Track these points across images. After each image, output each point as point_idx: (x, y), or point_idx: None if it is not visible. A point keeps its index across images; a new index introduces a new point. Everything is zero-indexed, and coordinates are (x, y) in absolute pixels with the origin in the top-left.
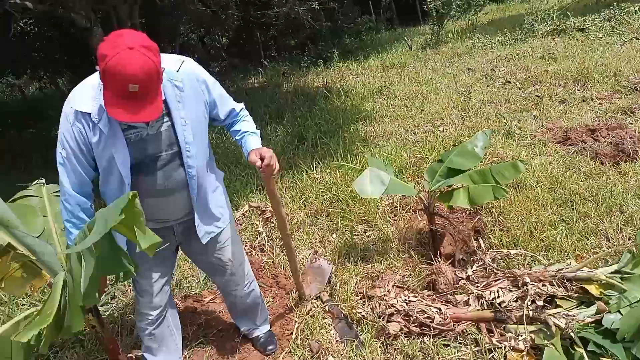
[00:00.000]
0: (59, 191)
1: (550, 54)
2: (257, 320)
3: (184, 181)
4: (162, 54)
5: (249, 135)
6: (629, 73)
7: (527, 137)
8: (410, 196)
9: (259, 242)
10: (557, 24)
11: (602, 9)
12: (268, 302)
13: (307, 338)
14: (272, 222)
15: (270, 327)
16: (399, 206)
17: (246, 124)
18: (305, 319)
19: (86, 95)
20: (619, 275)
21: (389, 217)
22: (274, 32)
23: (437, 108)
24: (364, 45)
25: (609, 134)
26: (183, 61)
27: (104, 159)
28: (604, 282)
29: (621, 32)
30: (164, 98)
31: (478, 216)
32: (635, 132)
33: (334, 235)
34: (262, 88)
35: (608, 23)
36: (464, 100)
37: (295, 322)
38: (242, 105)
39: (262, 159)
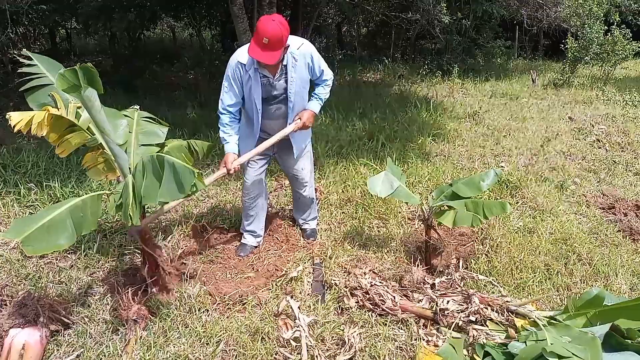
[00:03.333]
0: (147, 116)
1: None
2: (309, 217)
3: (286, 114)
4: (292, 36)
5: (314, 98)
6: None
7: (577, 195)
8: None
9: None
10: None
11: None
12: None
13: (287, 283)
14: None
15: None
16: (416, 216)
17: (321, 89)
18: (295, 269)
19: (244, 53)
20: (550, 320)
21: (404, 222)
22: (408, 35)
23: (512, 145)
24: (488, 68)
25: None
26: (302, 43)
27: (247, 92)
28: (532, 320)
29: None
30: (285, 63)
31: (472, 242)
32: None
33: (352, 221)
34: (375, 85)
35: None
36: (541, 146)
37: (287, 270)
38: (331, 75)
39: (300, 118)
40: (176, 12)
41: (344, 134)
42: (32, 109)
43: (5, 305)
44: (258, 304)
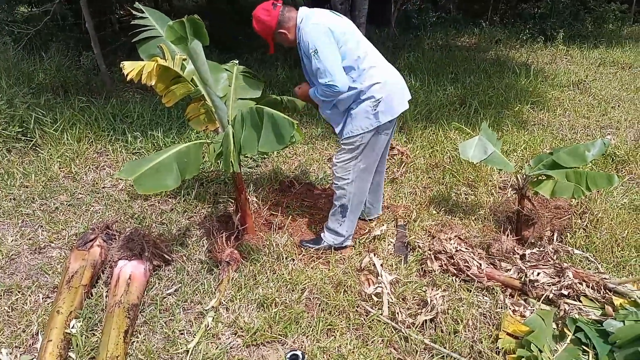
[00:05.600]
0: (245, 71)
1: None
2: (327, 221)
3: None
4: (317, 11)
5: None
6: None
7: None
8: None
9: None
10: None
11: None
12: None
13: (370, 242)
14: (394, 159)
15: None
16: (509, 185)
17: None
18: (379, 229)
19: None
20: None
21: (494, 190)
22: None
23: (621, 117)
24: (598, 34)
25: None
26: (307, 26)
27: None
28: (633, 299)
29: None
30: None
31: (569, 215)
32: None
33: (439, 187)
34: (469, 48)
35: None
36: None
37: (371, 228)
38: (326, 80)
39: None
40: None
41: (434, 98)
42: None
43: (115, 239)
44: (341, 259)
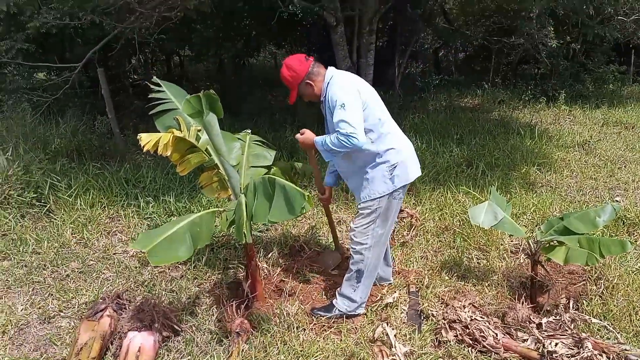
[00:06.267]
0: (258, 140)
1: None
2: (340, 287)
3: None
4: (335, 70)
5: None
6: None
7: None
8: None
9: None
10: None
11: None
12: None
13: (383, 310)
14: (404, 222)
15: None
16: (520, 249)
17: (331, 135)
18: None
19: None
20: None
21: (506, 255)
22: (509, 59)
23: (629, 178)
24: (599, 95)
25: None
26: (328, 83)
27: None
28: None
29: None
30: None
31: (583, 281)
32: None
33: (450, 251)
34: (473, 109)
35: None
36: None
37: (383, 295)
38: (347, 131)
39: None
40: (278, 40)
41: (440, 160)
42: (150, 128)
43: (125, 308)
44: (353, 328)
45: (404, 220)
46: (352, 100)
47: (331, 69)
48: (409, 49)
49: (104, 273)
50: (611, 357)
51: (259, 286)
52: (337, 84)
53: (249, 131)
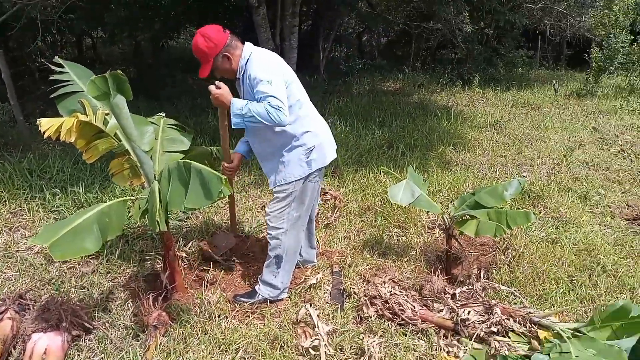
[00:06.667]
0: (172, 123)
1: None
2: (261, 274)
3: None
4: (252, 46)
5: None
6: None
7: (601, 206)
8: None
9: None
10: None
11: None
12: None
13: (306, 291)
14: (328, 204)
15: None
16: (437, 225)
17: (255, 103)
18: (314, 277)
19: None
20: (575, 332)
21: (424, 231)
22: (429, 44)
23: (534, 155)
24: (510, 78)
25: None
26: (248, 59)
27: None
28: (556, 332)
29: None
30: (238, 76)
31: (493, 252)
32: None
33: (371, 230)
34: (394, 93)
35: None
36: (564, 156)
37: (306, 277)
38: (269, 100)
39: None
40: (199, 21)
41: (363, 142)
42: (58, 114)
43: (29, 309)
44: (277, 312)
45: (328, 202)
46: (277, 79)
47: (249, 44)
48: (333, 33)
49: (4, 272)
50: (517, 320)
51: (178, 276)
52: (259, 60)
53: (163, 114)
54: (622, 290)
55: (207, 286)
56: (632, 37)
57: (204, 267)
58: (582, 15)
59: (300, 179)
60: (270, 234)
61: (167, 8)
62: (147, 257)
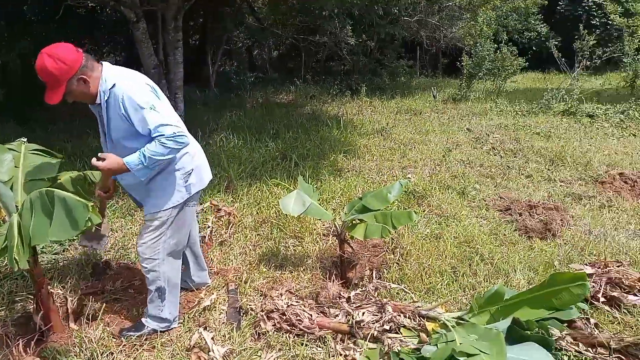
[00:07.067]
0: (37, 149)
1: (548, 132)
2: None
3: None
4: (115, 68)
5: (138, 151)
6: (599, 165)
7: (477, 200)
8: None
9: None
10: (570, 105)
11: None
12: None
13: (200, 314)
14: (222, 221)
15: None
16: (331, 232)
17: (152, 144)
18: (208, 298)
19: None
20: (458, 320)
21: (319, 238)
22: (318, 57)
23: (417, 157)
24: (394, 87)
25: (543, 212)
26: (114, 84)
27: None
28: (442, 322)
29: (625, 127)
30: (98, 102)
31: (384, 252)
32: (568, 216)
33: (267, 243)
34: (287, 105)
35: (620, 115)
36: (443, 156)
37: (200, 299)
38: (166, 132)
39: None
40: (77, 38)
41: (257, 155)
42: None
43: None
44: (168, 340)
45: (222, 219)
46: (156, 99)
47: (107, 65)
48: (222, 47)
49: None
50: (407, 315)
51: (54, 315)
52: (129, 85)
53: (24, 140)
54: (499, 276)
55: (89, 322)
56: (495, 45)
57: (85, 303)
58: (452, 27)
59: (177, 204)
60: (146, 267)
61: (37, 25)
62: (17, 299)
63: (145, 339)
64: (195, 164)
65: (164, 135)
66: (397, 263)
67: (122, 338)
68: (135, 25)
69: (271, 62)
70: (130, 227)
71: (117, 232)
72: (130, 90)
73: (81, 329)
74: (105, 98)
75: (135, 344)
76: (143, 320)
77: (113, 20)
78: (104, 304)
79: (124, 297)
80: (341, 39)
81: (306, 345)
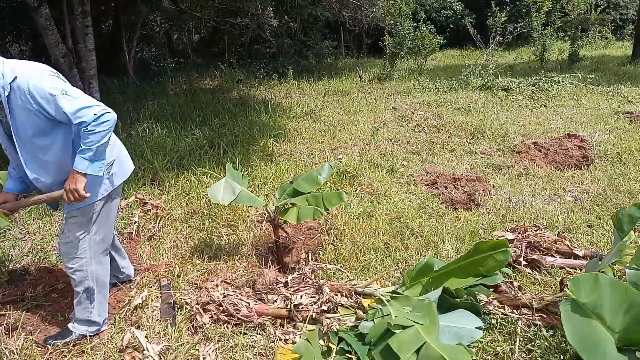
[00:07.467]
0: None
1: (467, 107)
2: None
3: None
4: (12, 61)
5: (78, 152)
6: (515, 136)
7: (406, 176)
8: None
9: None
10: (486, 80)
11: (542, 72)
12: None
13: (132, 313)
14: (149, 215)
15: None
16: (264, 218)
17: (84, 137)
18: (139, 296)
19: None
20: (393, 294)
21: (253, 225)
22: (242, 40)
23: (347, 138)
24: (320, 68)
25: (467, 184)
26: (15, 76)
27: None
28: (377, 297)
29: (537, 98)
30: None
31: (319, 234)
32: (489, 186)
33: (200, 234)
34: (213, 90)
35: (532, 87)
36: (372, 135)
37: (131, 298)
38: (90, 116)
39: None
40: None
41: (183, 144)
42: None
43: None
44: (99, 344)
45: (149, 212)
46: (64, 83)
47: (5, 60)
48: (137, 32)
49: None
50: (344, 294)
51: None
52: (29, 73)
53: None
54: (428, 248)
55: (7, 333)
56: (415, 24)
57: (1, 313)
58: (373, 7)
59: (101, 198)
60: (72, 267)
61: None
62: None
63: (74, 345)
64: (115, 153)
65: (86, 122)
66: (332, 244)
67: (48, 347)
68: (37, 11)
69: (193, 46)
70: (49, 229)
71: (34, 234)
72: (34, 80)
73: (0, 341)
74: (6, 94)
75: (62, 351)
76: (70, 325)
77: (13, 6)
78: (25, 312)
79: (46, 303)
80: (264, 21)
81: (245, 333)
